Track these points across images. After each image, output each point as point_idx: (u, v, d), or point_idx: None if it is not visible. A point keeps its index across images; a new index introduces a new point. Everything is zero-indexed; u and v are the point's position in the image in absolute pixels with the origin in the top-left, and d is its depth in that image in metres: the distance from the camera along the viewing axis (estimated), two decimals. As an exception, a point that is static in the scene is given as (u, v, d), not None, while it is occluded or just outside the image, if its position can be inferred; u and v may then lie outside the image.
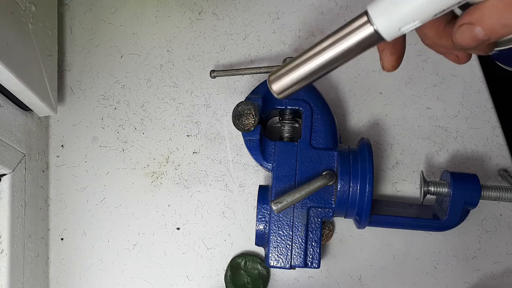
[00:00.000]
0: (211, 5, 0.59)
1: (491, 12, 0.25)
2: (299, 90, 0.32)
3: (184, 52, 0.58)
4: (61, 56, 0.58)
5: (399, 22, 0.26)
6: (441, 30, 0.30)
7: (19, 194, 0.49)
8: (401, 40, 0.32)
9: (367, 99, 0.56)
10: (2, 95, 0.47)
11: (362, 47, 0.29)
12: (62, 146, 0.56)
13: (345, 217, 0.48)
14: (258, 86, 0.52)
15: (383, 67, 0.33)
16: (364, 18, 0.27)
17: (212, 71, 0.54)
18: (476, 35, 0.26)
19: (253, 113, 0.48)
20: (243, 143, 0.52)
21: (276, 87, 0.31)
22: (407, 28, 0.27)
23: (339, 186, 0.46)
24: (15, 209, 0.48)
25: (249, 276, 0.51)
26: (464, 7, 0.27)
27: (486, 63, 0.56)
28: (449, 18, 0.29)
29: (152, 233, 0.54)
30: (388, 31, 0.27)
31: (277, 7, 0.58)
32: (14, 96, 0.47)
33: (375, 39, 0.28)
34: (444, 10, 0.25)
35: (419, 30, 0.31)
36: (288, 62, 0.31)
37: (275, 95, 0.32)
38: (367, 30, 0.27)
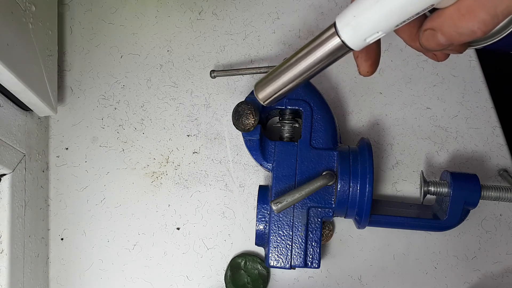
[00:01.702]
0: (211, 5, 0.59)
1: (448, 20, 0.26)
2: (283, 97, 0.34)
3: (184, 52, 0.58)
4: (61, 56, 0.58)
5: (363, 33, 0.28)
6: (413, 34, 0.31)
7: (19, 194, 0.49)
8: (374, 47, 0.33)
9: (367, 99, 0.56)
10: (2, 95, 0.47)
11: (333, 57, 0.30)
12: (67, 148, 0.56)
13: (345, 217, 0.48)
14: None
15: (359, 72, 0.34)
16: (332, 30, 0.29)
17: (212, 71, 0.54)
18: (439, 40, 0.27)
19: (253, 113, 0.48)
20: (243, 143, 0.52)
21: (262, 95, 0.34)
22: (372, 38, 0.28)
23: (339, 186, 0.46)
24: (15, 209, 0.48)
25: (249, 276, 0.51)
26: (433, 10, 0.28)
27: (486, 63, 0.56)
28: (421, 22, 0.29)
29: (152, 233, 0.54)
30: (354, 42, 0.28)
31: (277, 7, 0.58)
32: (14, 96, 0.47)
33: (344, 49, 0.29)
34: (404, 22, 0.26)
35: (397, 33, 0.32)
36: (270, 72, 0.34)
37: (261, 103, 0.35)
38: (334, 41, 0.29)
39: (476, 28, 0.25)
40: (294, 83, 0.33)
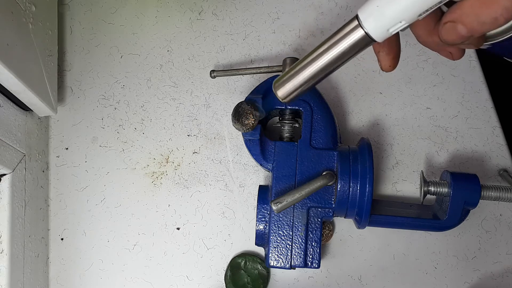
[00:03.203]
0: (211, 5, 0.59)
1: (469, 10, 0.26)
2: (303, 94, 0.34)
3: (184, 52, 0.58)
4: (61, 56, 0.58)
5: (386, 23, 0.28)
6: (431, 28, 0.31)
7: (19, 194, 0.49)
8: (395, 40, 0.33)
9: (367, 99, 0.56)
10: (2, 95, 0.47)
11: (356, 49, 0.30)
12: (67, 148, 0.56)
13: (345, 217, 0.48)
14: (258, 86, 0.52)
15: (381, 68, 0.34)
16: (355, 22, 0.29)
17: (212, 71, 0.54)
18: (459, 32, 0.27)
19: (253, 113, 0.48)
20: (243, 143, 0.52)
21: (281, 92, 0.34)
22: (395, 28, 0.28)
23: (339, 186, 0.46)
24: (15, 209, 0.48)
25: (249, 276, 0.51)
26: (450, 4, 0.28)
27: (486, 63, 0.56)
28: (438, 17, 0.30)
29: (152, 233, 0.54)
30: (378, 33, 0.28)
31: (277, 7, 0.58)
32: (14, 96, 0.47)
33: (367, 41, 0.29)
34: (427, 10, 0.27)
35: (412, 30, 0.33)
36: (289, 68, 0.33)
37: (281, 100, 0.34)
38: (358, 33, 0.29)
39: (498, 15, 0.25)
40: (315, 79, 0.33)
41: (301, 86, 0.33)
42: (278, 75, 0.52)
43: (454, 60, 0.34)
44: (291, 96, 0.34)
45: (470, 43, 0.31)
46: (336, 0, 0.58)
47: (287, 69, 0.33)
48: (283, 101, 0.34)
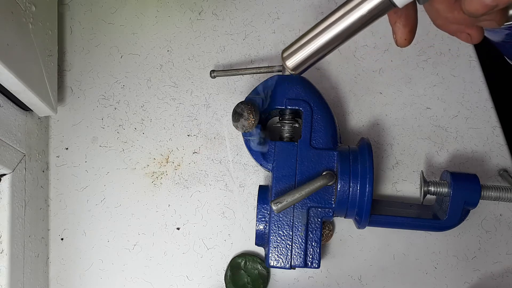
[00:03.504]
0: (211, 5, 0.59)
1: None
2: (314, 64, 0.31)
3: (184, 52, 0.58)
4: (61, 56, 0.58)
5: None
6: (452, 3, 0.30)
7: (19, 194, 0.49)
8: (413, 12, 0.32)
9: (367, 99, 0.56)
10: (2, 95, 0.47)
11: (374, 14, 0.29)
12: (67, 148, 0.56)
13: (345, 217, 0.48)
14: (258, 86, 0.52)
15: (396, 42, 0.32)
16: None
17: (212, 71, 0.54)
18: (484, 1, 0.26)
19: (253, 113, 0.48)
20: (243, 143, 0.52)
21: (291, 62, 0.31)
22: None
23: (339, 186, 0.46)
24: (15, 209, 0.48)
25: (249, 276, 0.51)
26: None
27: (486, 63, 0.56)
28: None
29: (152, 233, 0.54)
30: None
31: (277, 7, 0.58)
32: (14, 96, 0.47)
33: (387, 4, 0.28)
34: None
35: (430, 7, 0.31)
36: (301, 36, 0.31)
37: (289, 71, 0.32)
38: None
39: None
40: (329, 47, 0.30)
41: (313, 55, 0.31)
42: (278, 75, 0.52)
43: (472, 43, 0.32)
44: (302, 67, 0.32)
45: (493, 19, 0.29)
46: (336, 0, 0.58)
47: (298, 37, 0.31)
48: (293, 72, 0.32)
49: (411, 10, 0.31)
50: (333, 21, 0.30)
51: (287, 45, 0.33)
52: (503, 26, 0.36)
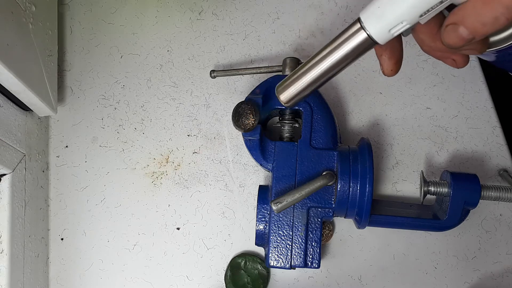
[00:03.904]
0: (211, 5, 0.59)
1: (471, 11, 0.26)
2: (306, 97, 0.34)
3: (184, 52, 0.58)
4: (61, 56, 0.58)
5: (388, 24, 0.28)
6: (434, 33, 0.31)
7: (19, 194, 0.49)
8: (397, 45, 0.33)
9: (367, 99, 0.56)
10: (2, 95, 0.47)
11: (358, 52, 0.30)
12: (67, 146, 0.56)
13: (345, 217, 0.48)
14: (258, 86, 0.52)
15: (383, 72, 0.34)
16: (357, 25, 0.29)
17: (212, 71, 0.54)
18: (461, 34, 0.27)
19: (253, 113, 0.48)
20: (243, 143, 0.52)
21: (284, 97, 0.34)
22: (397, 29, 0.28)
23: (339, 186, 0.46)
24: (15, 209, 0.48)
25: (249, 276, 0.51)
26: (451, 8, 0.28)
27: (486, 63, 0.56)
28: (441, 21, 0.29)
29: (152, 233, 0.54)
30: (380, 35, 0.29)
31: (277, 7, 0.58)
32: (14, 96, 0.47)
33: (369, 43, 0.30)
34: (428, 11, 0.27)
35: (415, 36, 0.33)
36: (292, 73, 0.34)
37: (284, 104, 0.35)
38: (361, 36, 0.29)
39: (499, 13, 0.25)
40: (317, 83, 0.33)
41: (304, 90, 0.34)
42: (278, 75, 0.52)
43: (458, 67, 0.34)
44: (294, 100, 0.34)
45: (473, 48, 0.31)
46: (336, 0, 0.58)
47: (289, 73, 0.34)
48: (286, 105, 0.35)
49: (396, 43, 0.32)
50: (319, 59, 0.32)
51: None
52: (489, 51, 0.37)
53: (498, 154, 0.53)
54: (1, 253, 0.46)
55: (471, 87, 0.55)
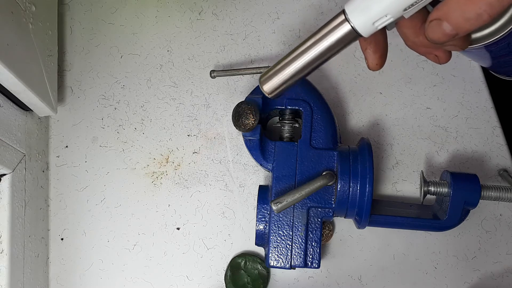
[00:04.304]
0: (211, 5, 0.59)
1: (455, 7, 0.26)
2: (289, 88, 0.34)
3: (184, 52, 0.58)
4: (61, 56, 0.58)
5: (372, 17, 0.28)
6: (418, 28, 0.31)
7: (19, 194, 0.49)
8: (382, 38, 0.33)
9: (367, 99, 0.56)
10: (2, 95, 0.47)
11: (342, 44, 0.30)
12: (67, 146, 0.56)
13: (345, 217, 0.48)
14: (258, 86, 0.52)
15: (368, 66, 0.34)
16: (342, 17, 0.29)
17: (212, 71, 0.54)
18: (444, 30, 0.27)
19: (253, 113, 0.48)
20: (243, 143, 0.52)
21: (267, 87, 0.34)
22: (381, 22, 0.28)
23: (339, 186, 0.46)
24: (15, 209, 0.48)
25: (249, 276, 0.51)
26: (435, 3, 0.28)
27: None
28: (426, 17, 0.29)
29: (152, 233, 0.54)
30: (364, 27, 0.28)
31: (277, 7, 0.58)
32: (14, 96, 0.47)
33: (353, 35, 0.29)
34: (412, 5, 0.27)
35: (399, 30, 0.33)
36: (275, 63, 0.33)
37: (267, 95, 0.34)
38: (345, 28, 0.29)
39: (482, 10, 0.25)
40: (301, 73, 0.32)
41: (287, 81, 0.33)
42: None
43: (440, 63, 0.34)
44: (277, 91, 0.34)
45: (456, 44, 0.31)
46: (336, 0, 0.58)
47: (273, 64, 0.33)
48: (269, 96, 0.34)
49: (380, 36, 0.32)
50: (303, 50, 0.32)
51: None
52: (470, 48, 0.37)
53: (498, 154, 0.53)
54: (1, 253, 0.46)
55: (471, 87, 0.55)
